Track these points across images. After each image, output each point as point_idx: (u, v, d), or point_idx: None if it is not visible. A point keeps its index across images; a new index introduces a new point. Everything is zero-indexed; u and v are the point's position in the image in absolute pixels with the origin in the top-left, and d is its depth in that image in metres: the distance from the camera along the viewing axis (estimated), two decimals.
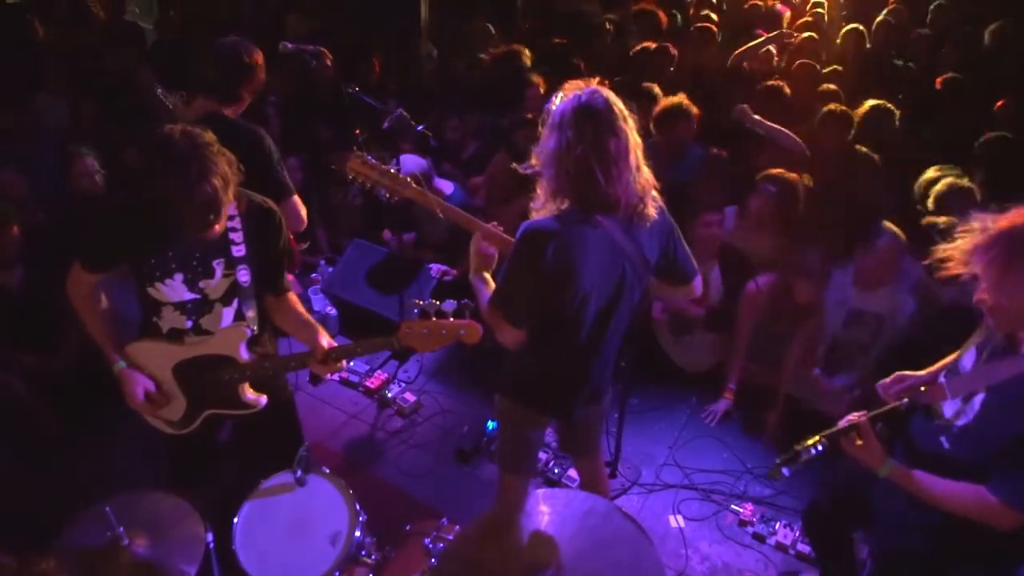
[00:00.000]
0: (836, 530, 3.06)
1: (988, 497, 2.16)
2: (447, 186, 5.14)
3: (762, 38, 6.41)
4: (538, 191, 2.46)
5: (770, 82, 5.51)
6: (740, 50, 6.12)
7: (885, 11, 7.59)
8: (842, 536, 3.09)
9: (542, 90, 5.52)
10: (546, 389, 2.78)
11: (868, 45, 7.08)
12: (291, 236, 3.55)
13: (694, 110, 4.90)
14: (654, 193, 2.46)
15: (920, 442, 2.43)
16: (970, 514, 2.21)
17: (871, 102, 5.08)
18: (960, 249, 2.12)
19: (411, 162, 4.69)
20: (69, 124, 5.70)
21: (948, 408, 2.34)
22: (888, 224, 3.89)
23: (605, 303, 2.53)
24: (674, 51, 6.20)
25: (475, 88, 6.46)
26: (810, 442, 2.38)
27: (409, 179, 3.00)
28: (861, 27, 6.98)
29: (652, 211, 2.45)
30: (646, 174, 2.43)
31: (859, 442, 2.35)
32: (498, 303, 2.48)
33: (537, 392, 2.82)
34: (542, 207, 2.45)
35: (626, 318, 2.65)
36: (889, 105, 5.06)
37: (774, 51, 6.70)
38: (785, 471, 2.41)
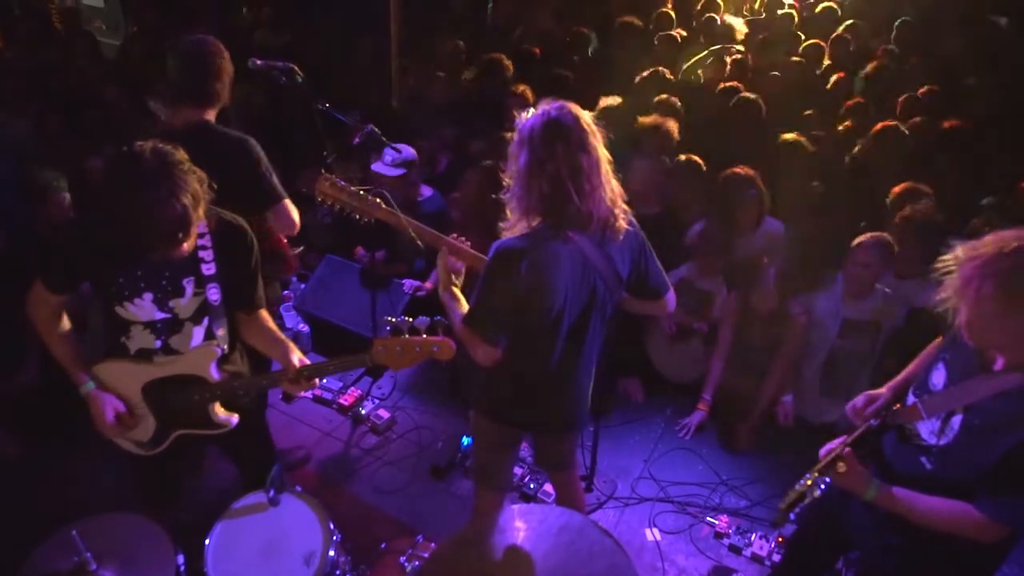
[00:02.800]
0: (822, 561, 3.04)
1: (973, 513, 2.15)
2: (425, 191, 5.16)
3: (706, 52, 6.55)
4: (508, 209, 2.47)
5: (745, 95, 5.58)
6: (688, 64, 6.21)
7: (842, 27, 7.73)
8: (827, 566, 3.09)
9: (529, 97, 5.53)
10: (520, 405, 2.78)
11: (827, 61, 7.21)
12: (284, 240, 3.51)
13: (672, 129, 4.96)
14: (623, 205, 2.48)
15: (897, 463, 2.43)
16: (954, 529, 2.20)
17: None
18: (950, 286, 2.10)
19: (407, 148, 4.75)
20: (31, 140, 5.61)
21: (924, 428, 2.33)
22: (876, 233, 3.95)
23: (578, 319, 2.54)
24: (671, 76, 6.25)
25: (456, 103, 6.47)
26: (810, 482, 2.36)
27: (379, 200, 3.01)
28: (821, 42, 7.13)
29: (623, 224, 2.46)
30: (615, 186, 2.45)
31: (843, 469, 2.34)
32: (472, 322, 2.48)
33: (511, 408, 2.81)
34: (513, 225, 2.46)
35: (600, 333, 2.66)
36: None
37: (728, 61, 6.79)
38: (792, 516, 2.41)
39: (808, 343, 4.24)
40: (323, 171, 3.12)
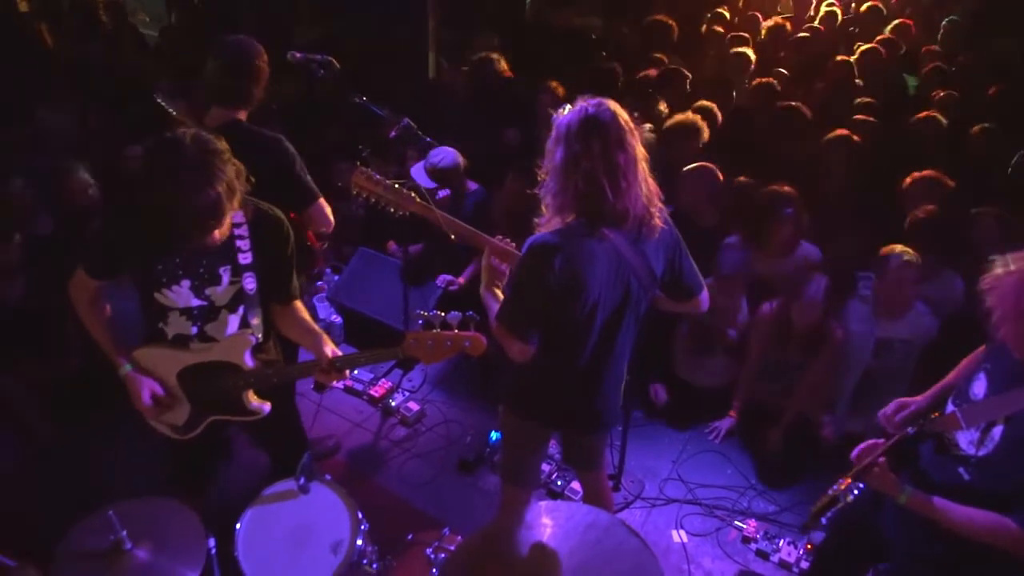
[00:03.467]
0: (851, 571, 3.00)
1: (1010, 526, 2.11)
2: (471, 185, 5.13)
3: None
4: (543, 205, 2.47)
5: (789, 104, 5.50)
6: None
7: (889, 27, 7.60)
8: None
9: (560, 93, 5.52)
10: (550, 402, 2.78)
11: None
12: (312, 235, 3.53)
13: (703, 129, 4.91)
14: (659, 203, 2.46)
15: (934, 473, 2.39)
16: (990, 541, 2.17)
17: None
18: (995, 298, 2.09)
19: (451, 155, 4.73)
20: (74, 134, 5.73)
21: (963, 438, 2.29)
22: (899, 247, 3.85)
23: (611, 316, 2.53)
24: (687, 74, 6.19)
25: (465, 97, 6.49)
26: (843, 487, 2.34)
27: (414, 194, 3.01)
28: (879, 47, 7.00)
29: (659, 223, 2.44)
30: (652, 185, 2.43)
31: (875, 475, 2.32)
32: (505, 318, 2.48)
33: (541, 404, 2.81)
34: (548, 222, 2.45)
35: (633, 331, 2.64)
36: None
37: (751, 55, 6.71)
38: (823, 520, 2.38)
39: (843, 361, 4.15)
40: (359, 164, 3.13)
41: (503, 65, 5.94)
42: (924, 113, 5.34)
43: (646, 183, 2.40)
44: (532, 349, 2.50)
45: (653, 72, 6.23)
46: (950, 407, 2.37)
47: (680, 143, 4.92)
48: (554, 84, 5.61)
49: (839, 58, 6.72)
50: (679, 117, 5.01)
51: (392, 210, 3.03)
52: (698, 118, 4.97)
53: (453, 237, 2.97)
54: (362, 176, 2.97)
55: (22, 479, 3.88)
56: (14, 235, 4.04)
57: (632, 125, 2.36)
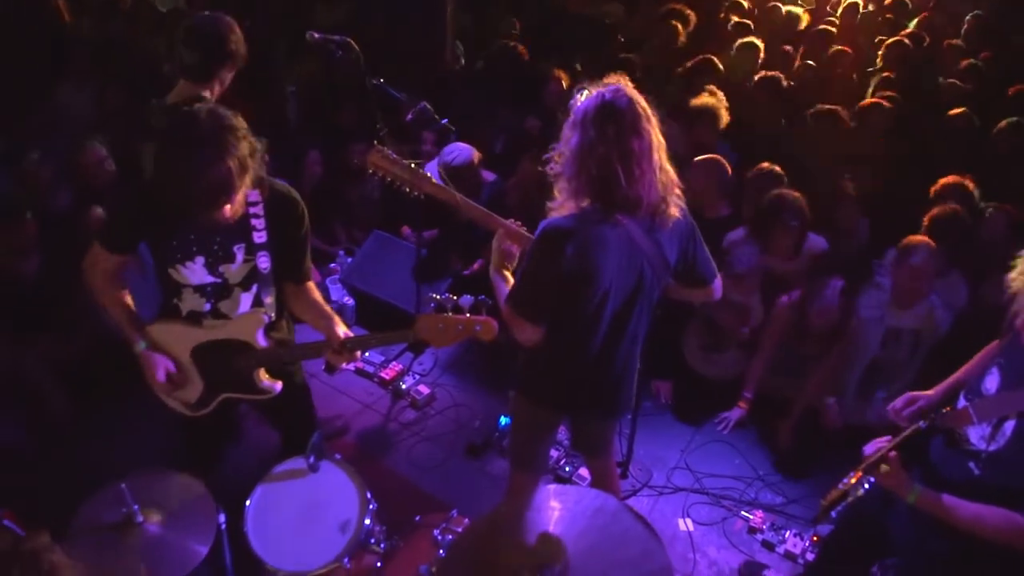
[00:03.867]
0: (857, 564, 2.99)
1: (1019, 521, 2.10)
2: (487, 175, 5.12)
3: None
4: (557, 190, 2.46)
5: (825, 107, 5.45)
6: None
7: (915, 22, 7.51)
8: (862, 569, 3.03)
9: (564, 85, 5.51)
10: (560, 387, 2.78)
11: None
12: None
13: (721, 114, 4.88)
14: (677, 192, 2.44)
15: (944, 468, 2.38)
16: (999, 538, 2.15)
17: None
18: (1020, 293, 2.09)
19: (465, 151, 4.71)
20: (92, 112, 5.76)
21: (974, 433, 2.28)
22: (921, 239, 3.84)
23: (623, 303, 2.52)
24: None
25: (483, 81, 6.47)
26: (853, 481, 2.34)
27: (429, 174, 3.01)
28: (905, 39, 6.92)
29: (674, 211, 2.43)
30: (670, 173, 2.41)
31: (886, 470, 2.30)
32: (515, 301, 2.48)
33: (551, 390, 2.81)
34: (561, 206, 2.44)
35: (646, 319, 2.64)
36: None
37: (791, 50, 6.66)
38: (833, 514, 2.38)
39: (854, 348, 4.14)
40: (375, 143, 3.13)
41: (523, 51, 5.90)
42: (959, 109, 5.29)
43: (662, 171, 2.37)
44: (541, 333, 2.50)
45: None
46: (962, 402, 2.36)
47: (698, 128, 4.89)
48: (559, 73, 5.58)
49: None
50: (698, 100, 4.99)
51: (408, 190, 3.02)
52: (715, 101, 4.94)
53: (466, 217, 2.96)
54: (378, 155, 2.96)
55: (37, 454, 3.93)
56: (26, 212, 4.07)
57: (650, 112, 2.34)
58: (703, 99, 4.97)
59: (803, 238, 4.40)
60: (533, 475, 3.06)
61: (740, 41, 6.61)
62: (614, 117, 2.27)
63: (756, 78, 6.12)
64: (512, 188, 4.89)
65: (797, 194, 4.28)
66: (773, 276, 4.41)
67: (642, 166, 2.29)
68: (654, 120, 2.35)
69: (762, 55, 6.51)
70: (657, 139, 2.35)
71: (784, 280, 4.34)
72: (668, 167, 2.40)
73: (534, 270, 2.44)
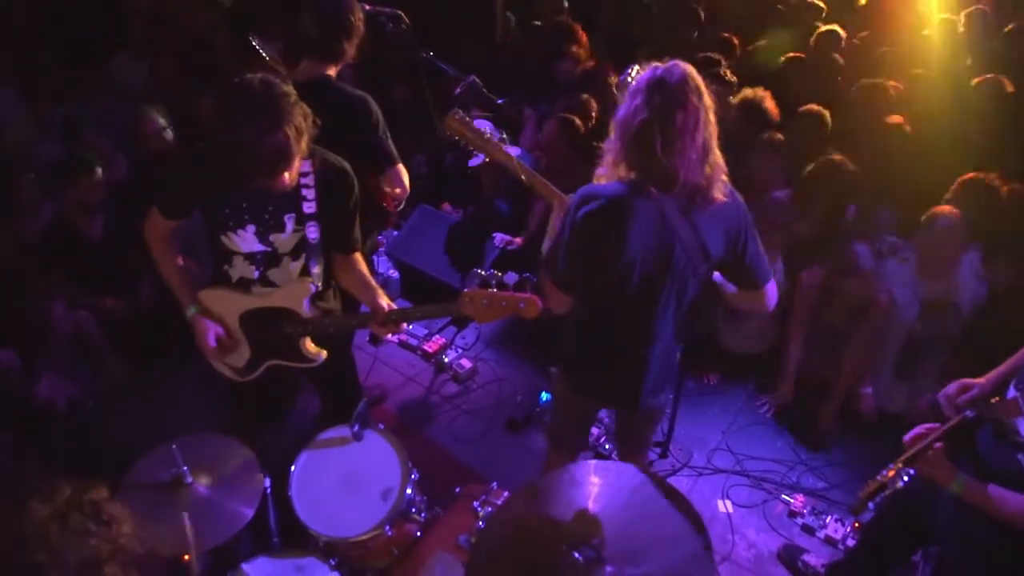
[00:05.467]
0: (899, 552, 2.97)
1: None
2: (514, 151, 5.08)
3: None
4: (604, 158, 2.42)
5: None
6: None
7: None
8: (904, 557, 3.01)
9: (580, 63, 5.41)
10: (591, 372, 2.76)
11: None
12: (389, 198, 3.53)
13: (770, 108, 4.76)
14: (723, 178, 2.35)
15: (992, 460, 2.33)
16: None
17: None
18: None
19: (484, 126, 4.68)
20: (147, 84, 5.87)
21: (1023, 424, 2.23)
22: (945, 207, 3.77)
23: (650, 283, 2.43)
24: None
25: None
26: (892, 473, 2.29)
27: (497, 142, 3.02)
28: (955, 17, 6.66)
29: (719, 195, 2.33)
30: (717, 158, 2.32)
31: (929, 459, 2.26)
32: (546, 263, 2.49)
33: (583, 374, 2.80)
34: (604, 174, 2.42)
35: (674, 307, 2.51)
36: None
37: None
38: (871, 505, 2.34)
39: (888, 326, 4.06)
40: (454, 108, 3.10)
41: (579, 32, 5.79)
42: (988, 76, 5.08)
43: (707, 151, 2.29)
44: (569, 300, 2.49)
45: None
46: (1011, 392, 2.30)
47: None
48: (577, 50, 5.47)
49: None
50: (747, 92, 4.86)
51: (478, 153, 3.04)
52: (763, 93, 4.82)
53: (525, 180, 2.95)
54: (455, 119, 2.97)
55: (95, 413, 4.07)
56: (98, 170, 4.18)
57: (705, 89, 2.28)
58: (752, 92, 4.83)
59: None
60: (569, 454, 3.06)
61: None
62: (661, 88, 2.22)
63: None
64: (537, 149, 4.84)
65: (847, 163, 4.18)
66: (799, 243, 4.33)
67: (684, 140, 2.22)
68: (708, 102, 2.28)
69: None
70: (706, 118, 2.27)
71: (806, 249, 4.27)
72: (716, 151, 2.32)
73: (564, 233, 2.43)
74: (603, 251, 2.37)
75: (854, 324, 4.11)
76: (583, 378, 2.81)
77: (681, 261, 2.39)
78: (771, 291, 2.57)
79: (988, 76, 4.91)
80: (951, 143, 4.50)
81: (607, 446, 3.98)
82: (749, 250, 2.46)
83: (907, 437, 2.40)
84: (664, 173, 2.27)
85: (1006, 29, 5.89)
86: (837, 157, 4.18)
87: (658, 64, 2.28)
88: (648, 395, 2.72)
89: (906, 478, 2.29)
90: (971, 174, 3.93)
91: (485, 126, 4.51)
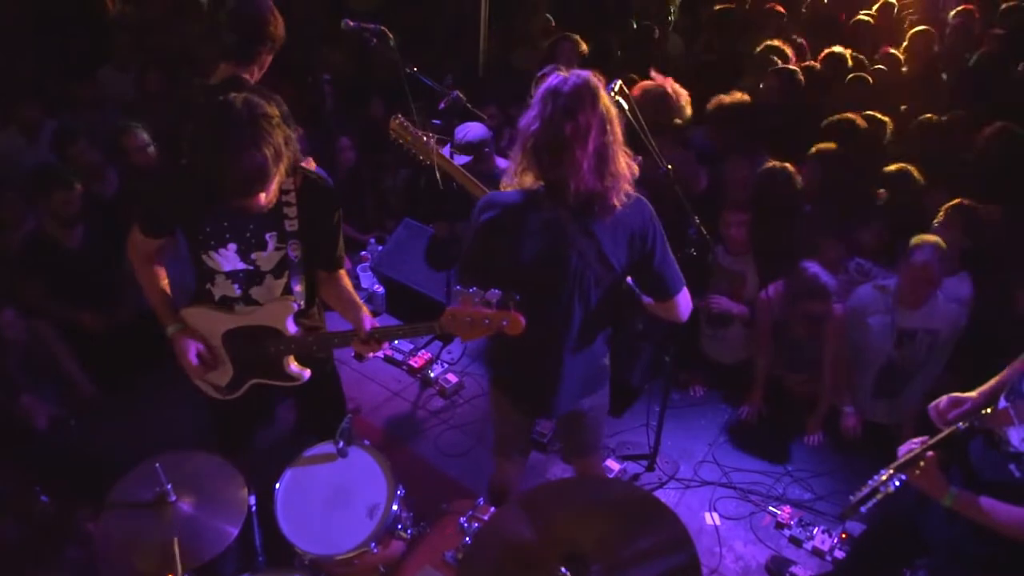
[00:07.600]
0: (889, 565, 2.97)
1: None
2: (502, 162, 5.09)
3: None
4: (508, 167, 2.45)
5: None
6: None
7: (953, 12, 7.33)
8: (894, 570, 3.00)
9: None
10: (511, 380, 2.80)
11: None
12: None
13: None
14: (627, 187, 2.32)
15: (984, 470, 2.35)
16: None
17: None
18: None
19: (477, 129, 4.67)
20: (134, 94, 5.86)
21: (1015, 435, 2.25)
22: (927, 237, 3.76)
23: (551, 292, 2.43)
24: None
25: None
26: (884, 478, 2.30)
27: (435, 145, 3.16)
28: (930, 29, 6.77)
29: (615, 203, 2.30)
30: (619, 167, 2.29)
31: (921, 470, 2.27)
32: (458, 271, 2.56)
33: (504, 382, 2.84)
34: (508, 183, 2.44)
35: (580, 315, 2.50)
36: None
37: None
38: (863, 509, 2.35)
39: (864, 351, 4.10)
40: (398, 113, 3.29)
41: (583, 48, 5.81)
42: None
43: (605, 160, 2.26)
44: None
45: None
46: (1003, 403, 2.32)
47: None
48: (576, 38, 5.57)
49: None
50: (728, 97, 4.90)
51: (421, 158, 3.19)
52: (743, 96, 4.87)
53: (458, 182, 3.06)
54: (396, 122, 3.14)
55: (78, 430, 4.03)
56: (75, 184, 4.16)
57: (606, 102, 2.26)
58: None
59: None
60: (510, 460, 3.08)
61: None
62: (554, 98, 2.22)
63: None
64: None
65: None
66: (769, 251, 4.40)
67: (573, 150, 2.20)
68: (605, 110, 2.25)
69: None
70: (602, 127, 2.24)
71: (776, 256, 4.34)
72: (620, 159, 2.29)
73: (468, 241, 2.49)
74: (498, 259, 2.42)
75: (816, 337, 4.15)
76: (506, 387, 2.84)
77: (578, 267, 2.39)
78: (683, 301, 2.56)
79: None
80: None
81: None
82: (656, 258, 2.44)
83: (901, 449, 2.41)
84: (554, 182, 2.30)
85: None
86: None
87: (562, 72, 2.28)
88: (566, 402, 2.73)
89: (897, 483, 2.29)
90: (958, 200, 3.98)
91: (478, 128, 4.54)
